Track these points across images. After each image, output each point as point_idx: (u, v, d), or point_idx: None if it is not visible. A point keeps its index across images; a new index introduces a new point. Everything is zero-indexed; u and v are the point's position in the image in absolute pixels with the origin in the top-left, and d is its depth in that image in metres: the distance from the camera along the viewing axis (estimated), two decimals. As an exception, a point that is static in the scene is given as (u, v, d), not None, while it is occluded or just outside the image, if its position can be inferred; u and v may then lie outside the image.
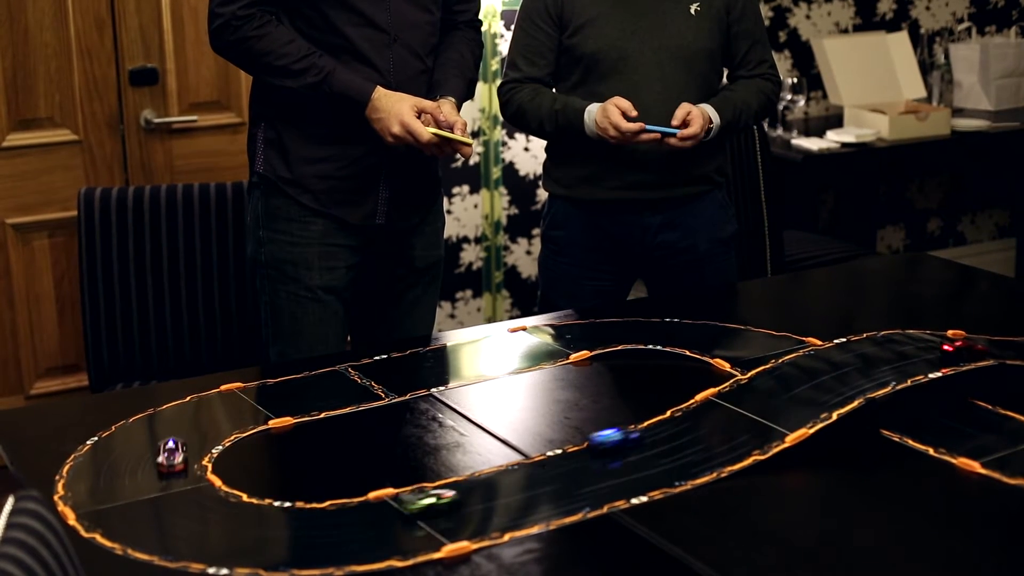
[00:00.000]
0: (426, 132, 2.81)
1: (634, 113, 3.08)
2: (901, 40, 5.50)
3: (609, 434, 2.08)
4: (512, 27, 3.39)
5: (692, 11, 3.22)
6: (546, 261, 3.43)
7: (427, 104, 2.86)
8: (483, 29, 4.42)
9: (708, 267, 3.33)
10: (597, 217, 3.30)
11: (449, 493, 1.89)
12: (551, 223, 3.39)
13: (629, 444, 2.07)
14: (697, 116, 3.09)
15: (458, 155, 2.90)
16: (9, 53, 3.98)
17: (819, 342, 2.48)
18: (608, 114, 3.08)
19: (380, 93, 2.84)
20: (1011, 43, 5.69)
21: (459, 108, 2.98)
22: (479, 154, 4.76)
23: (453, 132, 2.83)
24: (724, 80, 3.41)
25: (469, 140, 2.86)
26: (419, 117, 2.83)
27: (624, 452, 2.05)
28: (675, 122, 3.09)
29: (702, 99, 3.21)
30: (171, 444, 2.05)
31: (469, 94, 3.08)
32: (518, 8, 3.37)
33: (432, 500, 1.87)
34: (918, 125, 5.08)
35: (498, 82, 3.42)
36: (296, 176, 2.95)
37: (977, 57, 5.60)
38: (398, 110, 2.82)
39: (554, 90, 3.32)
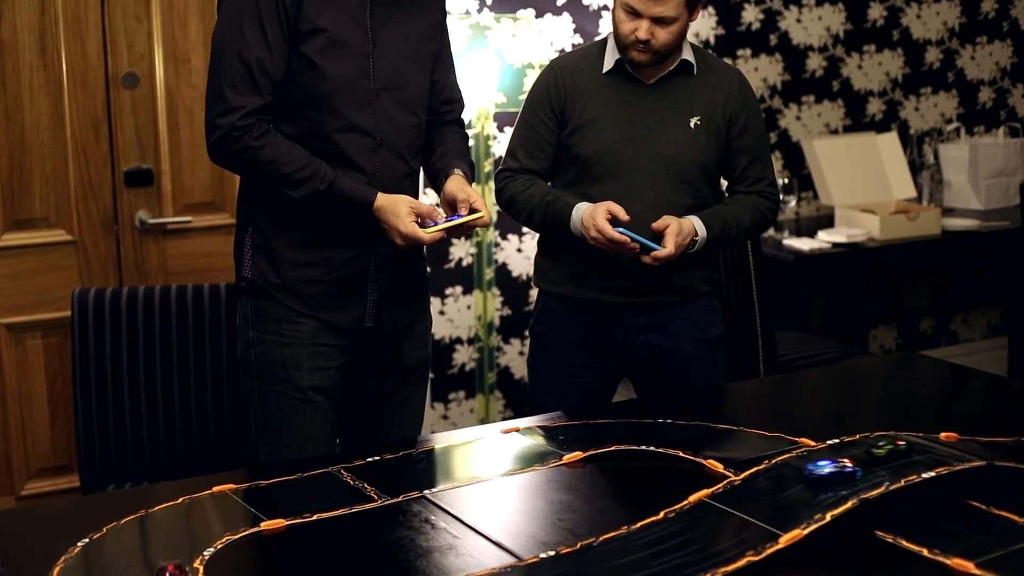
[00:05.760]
0: (426, 236, 2.85)
1: (626, 218, 3.10)
2: (891, 141, 5.55)
3: (823, 464, 2.18)
4: (508, 126, 3.43)
5: (692, 124, 3.25)
6: (534, 357, 3.45)
7: (423, 207, 2.89)
8: (476, 131, 4.48)
9: (693, 369, 3.34)
10: (582, 315, 3.32)
11: None
12: (538, 319, 3.42)
13: (842, 477, 2.17)
14: (674, 232, 3.11)
15: (478, 229, 2.95)
16: (5, 153, 4.01)
17: (812, 443, 2.47)
18: (595, 216, 3.10)
19: (380, 202, 2.88)
20: (1000, 143, 5.74)
21: (470, 182, 3.02)
22: (472, 255, 4.78)
23: (467, 209, 2.91)
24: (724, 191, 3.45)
25: (480, 212, 2.90)
26: (419, 222, 2.87)
27: (839, 483, 2.15)
28: (655, 227, 3.12)
29: (692, 211, 3.23)
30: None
31: (473, 174, 3.12)
32: (523, 102, 3.41)
33: None
34: (909, 225, 5.11)
35: (491, 183, 3.45)
36: (285, 281, 2.96)
37: (966, 157, 5.65)
38: (394, 222, 2.86)
39: (549, 184, 3.35)
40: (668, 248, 3.10)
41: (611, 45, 3.31)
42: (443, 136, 3.16)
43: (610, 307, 3.29)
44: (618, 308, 3.29)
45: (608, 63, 3.29)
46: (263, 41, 2.83)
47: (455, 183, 2.99)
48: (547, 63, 3.45)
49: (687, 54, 3.28)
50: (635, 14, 3.17)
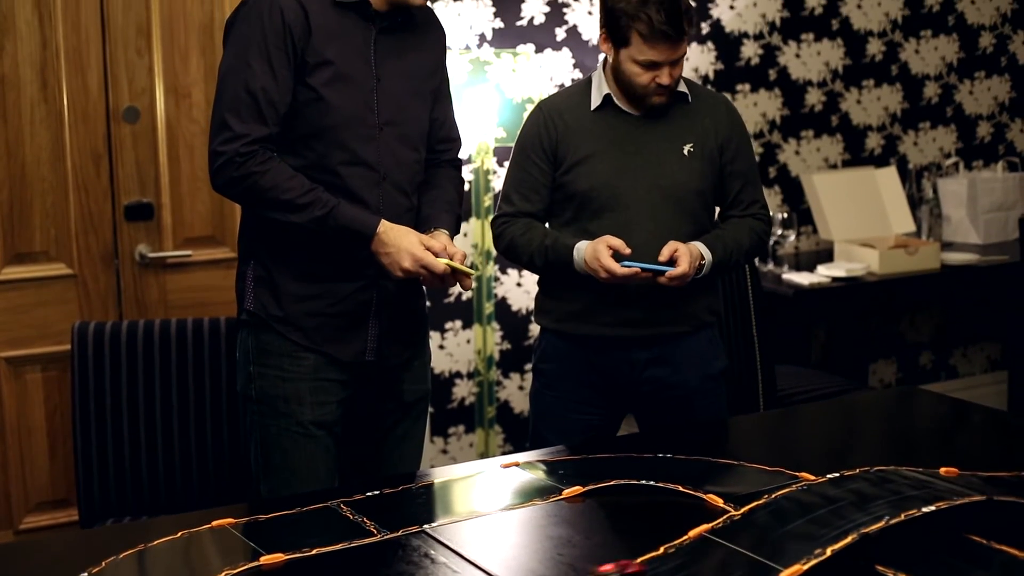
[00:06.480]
0: (440, 264, 2.85)
1: (627, 251, 3.11)
2: (890, 175, 5.56)
3: None
4: (508, 161, 3.44)
5: (685, 152, 3.27)
6: (537, 394, 3.45)
7: (434, 243, 2.90)
8: (476, 166, 4.48)
9: (698, 402, 3.34)
10: (587, 351, 3.32)
11: None
12: (541, 356, 3.41)
13: None
14: (684, 254, 3.12)
15: (458, 285, 2.94)
16: (6, 187, 4.01)
17: (812, 477, 2.47)
18: (599, 255, 3.11)
19: (386, 227, 2.88)
20: (998, 177, 5.75)
21: (453, 237, 3.02)
22: (472, 289, 4.78)
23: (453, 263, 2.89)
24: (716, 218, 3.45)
25: (471, 271, 2.91)
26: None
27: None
28: (662, 258, 3.12)
29: (693, 238, 3.24)
30: None
31: (457, 229, 3.12)
32: (515, 142, 3.41)
33: None
34: (908, 259, 5.11)
35: (491, 218, 3.45)
36: (287, 314, 2.97)
37: (965, 191, 5.66)
38: (407, 245, 2.86)
39: (547, 225, 3.36)
40: (682, 266, 3.11)
41: (597, 83, 3.32)
42: (437, 180, 3.16)
43: (618, 341, 3.29)
44: (626, 342, 3.29)
45: (596, 100, 3.30)
46: (269, 72, 2.85)
47: (443, 240, 2.99)
48: (534, 105, 3.45)
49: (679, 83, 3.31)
50: (654, 66, 3.18)
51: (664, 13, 3.11)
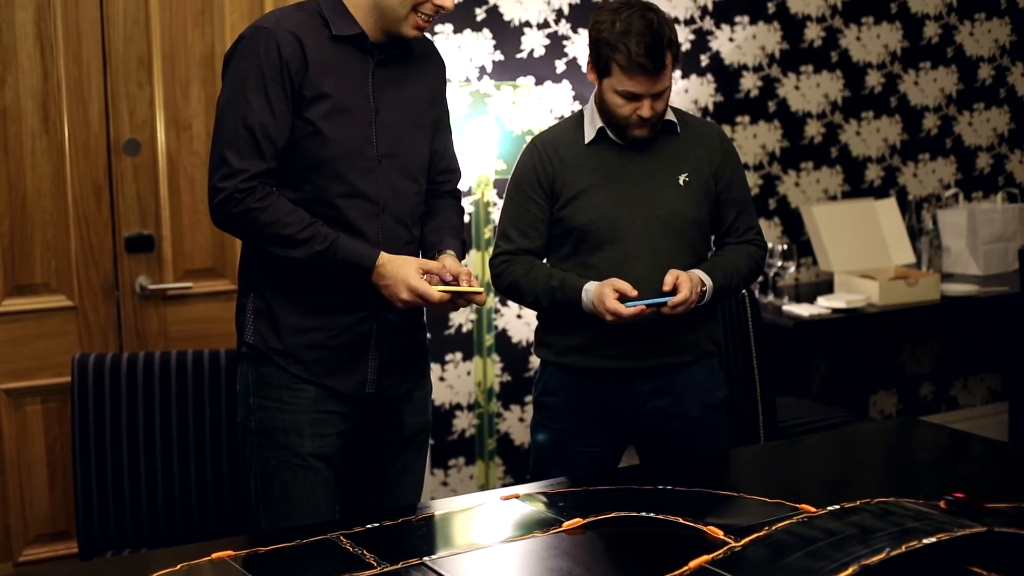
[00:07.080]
0: (436, 292, 2.85)
1: (634, 293, 3.11)
2: (889, 206, 5.56)
3: None
4: (503, 198, 3.43)
5: (681, 181, 3.27)
6: (538, 427, 3.44)
7: (431, 264, 2.90)
8: (476, 198, 4.49)
9: (699, 432, 3.34)
10: (589, 384, 3.31)
11: None
12: (543, 389, 3.40)
13: None
14: (685, 281, 3.12)
15: (473, 305, 2.94)
16: (7, 218, 4.02)
17: (813, 509, 2.47)
18: (604, 298, 3.11)
19: (385, 259, 2.88)
20: (998, 208, 5.76)
21: (460, 260, 3.02)
22: (472, 321, 4.78)
23: (460, 284, 2.89)
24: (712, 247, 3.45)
25: (480, 288, 2.90)
26: (424, 278, 2.87)
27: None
28: (665, 287, 3.13)
29: (692, 267, 3.24)
30: None
31: (464, 253, 3.12)
32: (509, 178, 3.41)
33: None
34: (908, 290, 5.12)
35: (491, 250, 3.44)
36: (287, 346, 2.96)
37: (965, 223, 5.66)
38: (404, 275, 2.86)
39: (546, 261, 3.35)
40: (683, 293, 3.11)
41: (589, 116, 3.32)
42: (438, 209, 3.16)
43: (621, 374, 3.29)
44: (628, 374, 3.29)
45: (589, 134, 3.31)
46: (267, 107, 2.85)
47: (450, 261, 2.99)
48: (528, 142, 3.45)
49: (668, 113, 3.31)
50: (634, 97, 3.19)
51: (643, 46, 3.11)
